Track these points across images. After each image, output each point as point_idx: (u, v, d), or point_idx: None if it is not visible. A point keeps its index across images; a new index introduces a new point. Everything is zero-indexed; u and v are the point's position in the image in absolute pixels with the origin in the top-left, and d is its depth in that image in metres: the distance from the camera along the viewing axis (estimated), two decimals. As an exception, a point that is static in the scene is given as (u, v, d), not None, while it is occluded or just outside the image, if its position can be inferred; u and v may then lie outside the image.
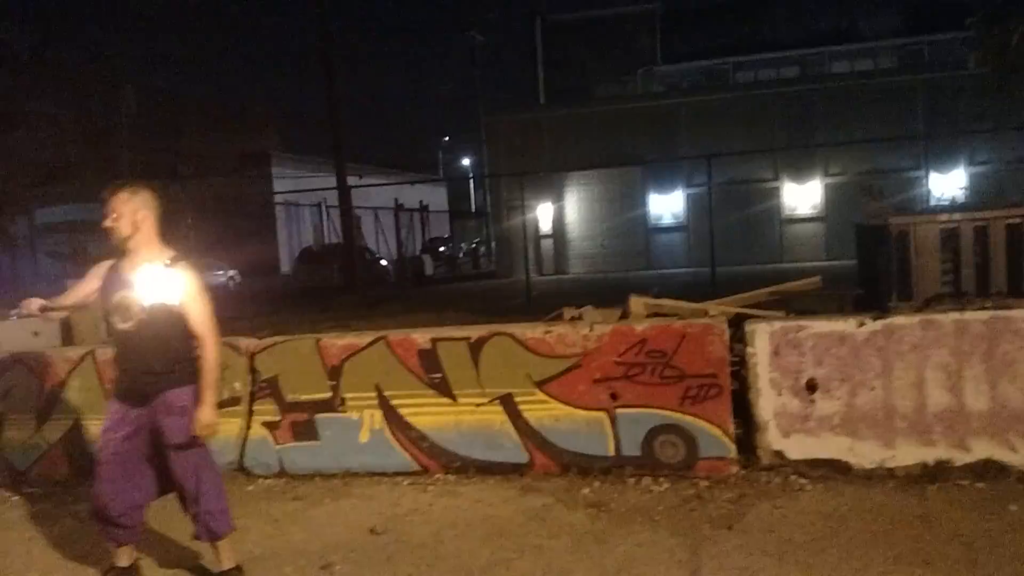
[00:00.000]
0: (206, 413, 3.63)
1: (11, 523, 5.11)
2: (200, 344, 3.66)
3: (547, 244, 26.85)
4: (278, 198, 32.90)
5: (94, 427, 5.54)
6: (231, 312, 17.40)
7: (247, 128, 41.68)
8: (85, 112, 34.67)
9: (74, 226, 35.42)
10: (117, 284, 3.66)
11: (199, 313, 3.65)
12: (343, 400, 5.49)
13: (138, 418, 3.69)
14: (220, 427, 3.68)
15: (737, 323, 5.10)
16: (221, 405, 5.51)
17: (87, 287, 3.81)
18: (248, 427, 5.61)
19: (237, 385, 5.62)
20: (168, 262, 3.65)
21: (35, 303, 3.89)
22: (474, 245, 43.16)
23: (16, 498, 5.57)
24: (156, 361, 3.62)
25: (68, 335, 13.15)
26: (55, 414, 5.86)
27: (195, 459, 3.72)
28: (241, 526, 4.71)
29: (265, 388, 5.61)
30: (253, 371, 5.64)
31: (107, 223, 3.66)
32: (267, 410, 5.60)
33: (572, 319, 6.02)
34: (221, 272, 26.94)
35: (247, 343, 5.75)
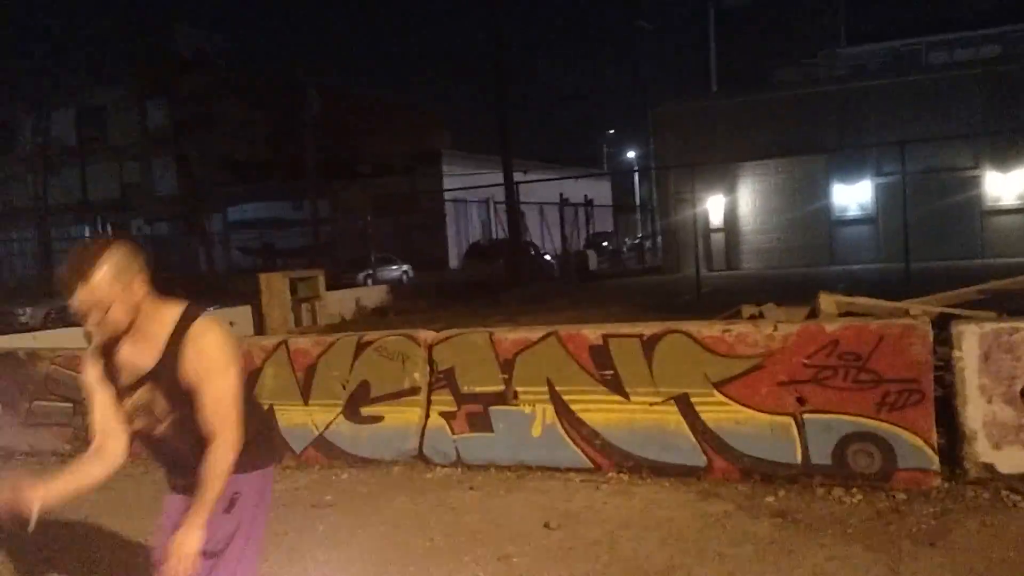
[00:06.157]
0: (189, 537, 2.33)
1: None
2: (213, 439, 2.39)
3: (717, 238, 25.98)
4: (447, 195, 33.90)
5: (284, 412, 5.91)
6: (406, 305, 18.22)
7: (420, 128, 43.31)
8: (272, 114, 37.18)
9: (262, 223, 38.27)
10: (123, 376, 2.49)
11: (218, 393, 2.40)
12: (516, 393, 5.51)
13: None
14: (195, 564, 2.35)
15: (941, 324, 4.69)
16: (401, 394, 5.74)
17: (102, 405, 2.53)
18: (427, 416, 5.76)
19: (416, 375, 5.79)
20: (179, 321, 2.44)
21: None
22: (638, 239, 42.64)
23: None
24: (200, 460, 2.42)
25: (260, 324, 14.12)
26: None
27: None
28: (422, 512, 4.86)
29: (442, 379, 5.73)
30: (431, 362, 5.78)
31: (91, 325, 2.36)
32: (444, 400, 5.71)
33: (752, 317, 5.76)
34: (396, 267, 28.36)
35: (425, 335, 5.91)
